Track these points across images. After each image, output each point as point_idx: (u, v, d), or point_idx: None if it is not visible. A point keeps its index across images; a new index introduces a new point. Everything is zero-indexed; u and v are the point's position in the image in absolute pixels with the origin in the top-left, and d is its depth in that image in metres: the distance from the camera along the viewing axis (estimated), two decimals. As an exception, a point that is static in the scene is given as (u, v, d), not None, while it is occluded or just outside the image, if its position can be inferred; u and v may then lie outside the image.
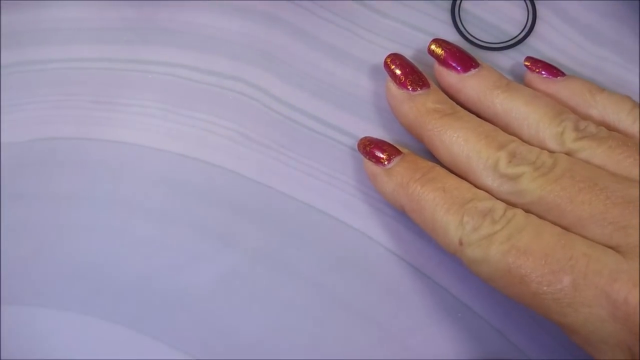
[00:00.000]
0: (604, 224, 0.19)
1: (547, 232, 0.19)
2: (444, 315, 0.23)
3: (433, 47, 0.24)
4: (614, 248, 0.18)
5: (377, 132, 0.25)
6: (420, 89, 0.23)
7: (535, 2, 0.26)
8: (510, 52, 0.26)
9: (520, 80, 0.25)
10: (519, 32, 0.26)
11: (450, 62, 0.23)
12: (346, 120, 0.25)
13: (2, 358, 0.21)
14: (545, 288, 0.18)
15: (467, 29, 0.26)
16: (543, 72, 0.24)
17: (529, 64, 0.24)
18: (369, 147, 0.23)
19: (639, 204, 0.19)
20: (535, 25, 0.26)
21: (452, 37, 0.26)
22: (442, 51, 0.23)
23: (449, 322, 0.23)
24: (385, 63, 0.24)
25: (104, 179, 0.25)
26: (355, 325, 0.23)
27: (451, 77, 0.23)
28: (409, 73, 0.23)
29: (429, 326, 0.23)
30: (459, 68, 0.23)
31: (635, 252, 0.18)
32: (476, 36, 0.26)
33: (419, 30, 0.26)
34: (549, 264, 0.18)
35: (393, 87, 0.23)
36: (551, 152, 0.21)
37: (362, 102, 0.25)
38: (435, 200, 0.21)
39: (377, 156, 0.23)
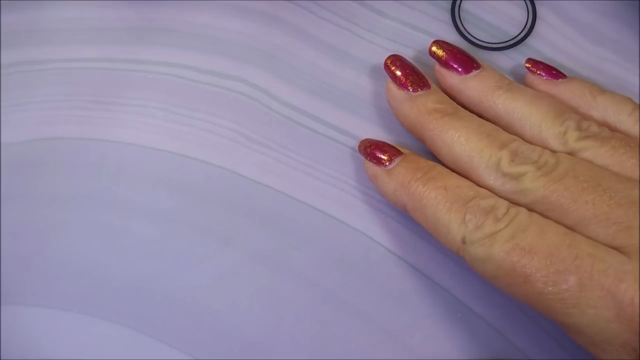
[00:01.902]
0: (607, 225, 0.19)
1: (551, 231, 0.19)
2: (444, 315, 0.23)
3: (434, 48, 0.24)
4: (618, 249, 0.18)
5: (377, 132, 0.25)
6: (421, 89, 0.23)
7: (535, 2, 0.26)
8: (510, 52, 0.26)
9: (521, 80, 0.25)
10: (519, 32, 0.26)
11: (452, 64, 0.23)
12: (346, 120, 0.25)
13: (2, 358, 0.21)
14: (550, 288, 0.18)
15: (467, 29, 0.26)
16: (544, 74, 0.24)
17: (529, 65, 0.24)
18: (369, 149, 0.23)
19: None
20: (535, 25, 0.26)
21: (452, 37, 0.26)
22: (443, 52, 0.23)
23: (449, 322, 0.23)
24: (386, 64, 0.24)
25: (104, 179, 0.25)
26: (355, 325, 0.23)
27: (452, 79, 0.23)
28: (409, 74, 0.23)
29: (429, 326, 0.23)
30: (460, 69, 0.23)
31: (639, 253, 0.18)
32: (476, 36, 0.26)
33: (419, 31, 0.26)
34: (555, 264, 0.18)
35: (393, 87, 0.23)
36: (553, 151, 0.21)
37: (362, 102, 0.25)
38: (437, 198, 0.21)
39: (378, 157, 0.23)
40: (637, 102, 0.23)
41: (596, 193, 0.19)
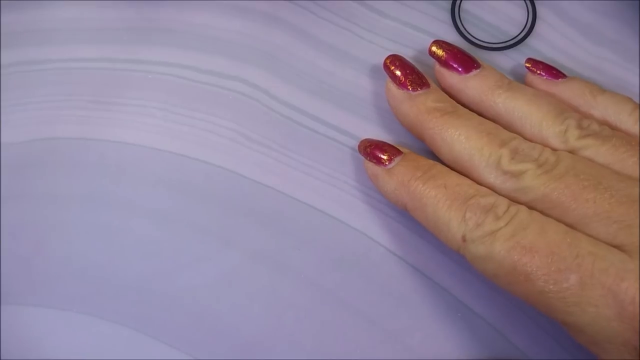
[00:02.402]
0: (608, 223, 0.19)
1: (552, 230, 0.19)
2: (444, 315, 0.23)
3: (434, 48, 0.24)
4: (619, 247, 0.18)
5: (377, 132, 0.25)
6: (420, 88, 0.23)
7: (535, 2, 0.26)
8: (510, 52, 0.26)
9: (521, 80, 0.25)
10: (519, 32, 0.26)
11: (452, 63, 0.23)
12: (346, 120, 0.25)
13: (2, 358, 0.21)
14: (551, 286, 0.18)
15: (467, 29, 0.26)
16: (544, 74, 0.24)
17: (529, 65, 0.24)
18: (369, 148, 0.23)
19: None
20: (535, 25, 0.26)
21: (452, 37, 0.26)
22: (443, 52, 0.23)
23: (449, 322, 0.23)
24: (385, 64, 0.24)
25: (104, 179, 0.25)
26: (355, 325, 0.23)
27: (452, 78, 0.23)
28: (408, 73, 0.23)
29: (429, 326, 0.23)
30: (460, 69, 0.23)
31: None
32: (476, 36, 0.26)
33: (419, 30, 0.26)
34: (556, 262, 0.18)
35: (393, 87, 0.23)
36: (554, 150, 0.21)
37: (362, 102, 0.25)
38: (437, 197, 0.21)
39: (378, 157, 0.23)
40: (637, 101, 0.23)
41: (597, 191, 0.19)
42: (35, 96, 0.26)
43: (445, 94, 0.23)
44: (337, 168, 0.25)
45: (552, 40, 0.26)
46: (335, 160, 0.25)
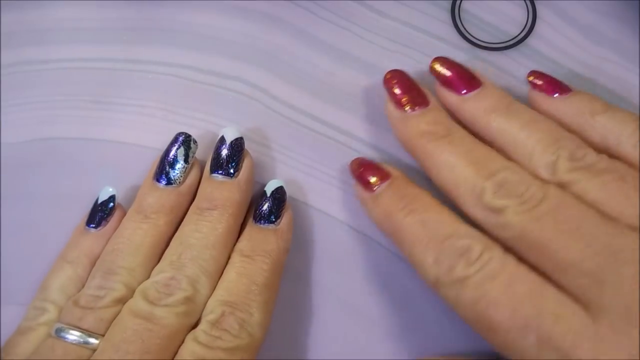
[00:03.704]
0: (579, 275, 0.18)
1: (520, 282, 0.18)
2: (444, 315, 0.23)
3: (436, 66, 0.23)
4: (585, 304, 0.18)
5: (377, 132, 0.25)
6: (419, 107, 0.22)
7: (535, 2, 0.26)
8: (510, 52, 0.26)
9: (521, 81, 0.25)
10: (519, 32, 0.26)
11: (451, 83, 0.23)
12: (346, 120, 0.25)
13: (2, 358, 0.21)
14: (511, 343, 0.18)
15: (467, 29, 0.26)
16: (545, 89, 0.23)
17: (532, 79, 0.23)
18: (359, 170, 0.23)
19: (624, 255, 0.17)
20: (535, 25, 0.26)
21: (452, 37, 0.26)
22: (443, 71, 0.23)
23: (449, 322, 0.23)
24: (386, 80, 0.23)
25: (104, 179, 0.25)
26: (355, 325, 0.23)
27: (451, 98, 0.23)
28: (406, 92, 0.23)
29: (429, 325, 0.23)
30: (458, 89, 0.23)
31: (606, 313, 0.17)
32: (476, 36, 0.26)
33: (419, 30, 0.26)
34: (517, 319, 0.18)
35: (390, 106, 0.23)
36: (546, 181, 0.20)
37: (362, 102, 0.25)
38: (415, 234, 0.20)
39: (366, 180, 0.22)
40: (639, 104, 0.22)
41: (573, 238, 0.18)
42: (35, 96, 0.26)
43: (442, 113, 0.23)
44: (337, 168, 0.25)
45: (552, 40, 0.26)
46: (335, 160, 0.25)
